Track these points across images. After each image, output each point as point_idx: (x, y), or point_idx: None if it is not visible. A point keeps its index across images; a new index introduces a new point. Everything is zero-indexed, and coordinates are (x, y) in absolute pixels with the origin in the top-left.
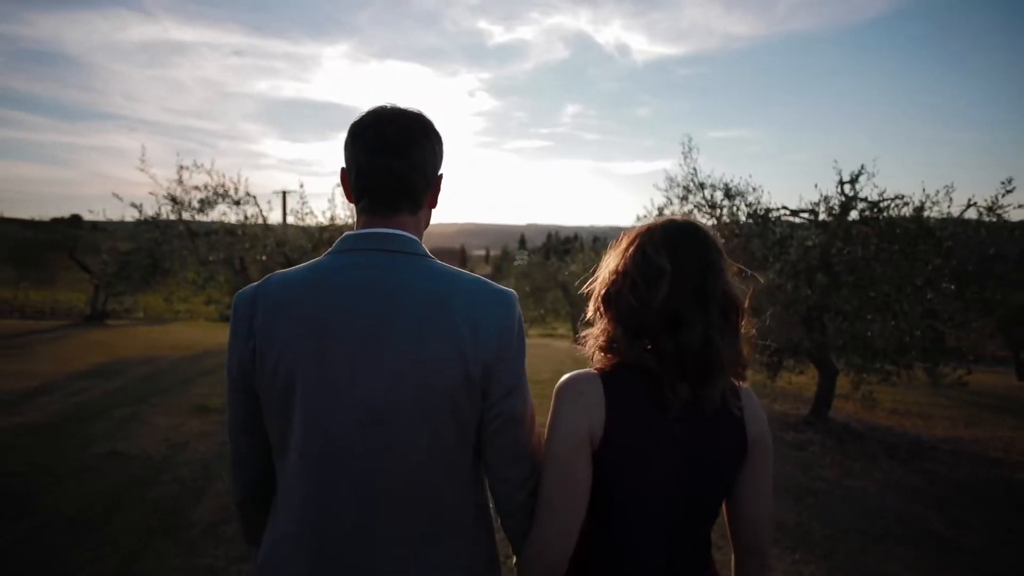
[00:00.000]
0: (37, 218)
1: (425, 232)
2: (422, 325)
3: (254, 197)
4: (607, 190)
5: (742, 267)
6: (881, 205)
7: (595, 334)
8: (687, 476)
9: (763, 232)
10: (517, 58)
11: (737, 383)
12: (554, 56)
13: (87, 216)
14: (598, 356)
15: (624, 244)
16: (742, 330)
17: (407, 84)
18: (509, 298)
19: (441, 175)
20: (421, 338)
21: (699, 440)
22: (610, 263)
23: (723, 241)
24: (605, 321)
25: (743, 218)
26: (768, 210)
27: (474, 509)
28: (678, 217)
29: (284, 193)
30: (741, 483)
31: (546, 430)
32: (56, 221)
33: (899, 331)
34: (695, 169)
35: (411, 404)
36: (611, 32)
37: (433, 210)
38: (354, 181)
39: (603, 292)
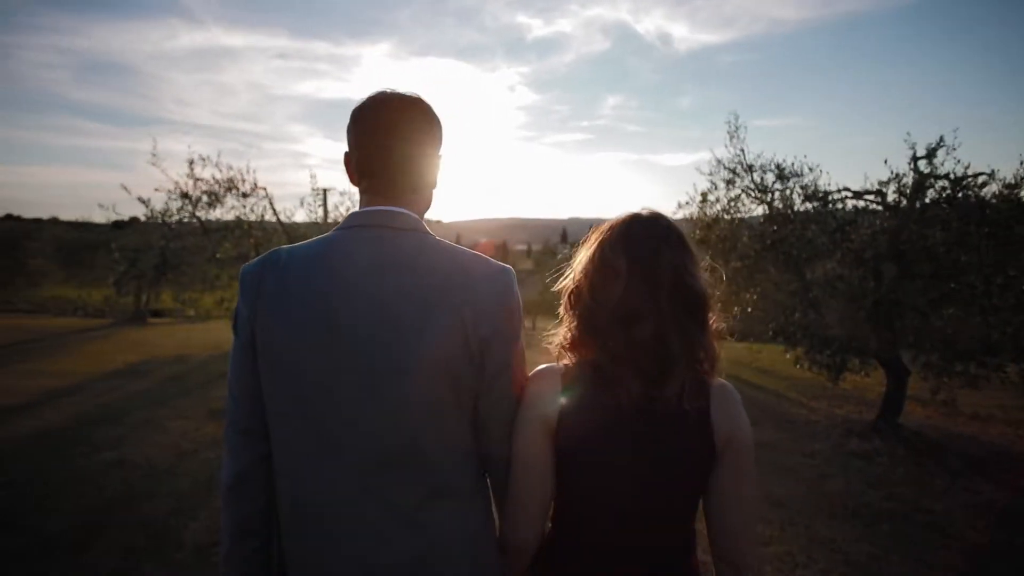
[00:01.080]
0: (81, 219)
1: (466, 227)
2: (425, 299)
3: (264, 190)
4: (650, 182)
5: (714, 264)
6: (965, 182)
7: (562, 332)
8: (647, 474)
9: (822, 217)
10: (556, 51)
11: (710, 380)
12: (594, 48)
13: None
14: (561, 354)
15: (590, 242)
16: (712, 325)
17: (447, 81)
18: (508, 275)
19: (441, 156)
20: (424, 312)
21: (658, 439)
22: (578, 261)
23: (776, 228)
24: (569, 319)
25: (798, 202)
26: (827, 192)
27: (471, 476)
28: (643, 212)
29: (324, 191)
30: (715, 490)
31: None
32: (116, 224)
33: (987, 327)
34: (742, 150)
35: (414, 374)
36: (652, 21)
37: (435, 190)
38: (356, 164)
39: (569, 291)
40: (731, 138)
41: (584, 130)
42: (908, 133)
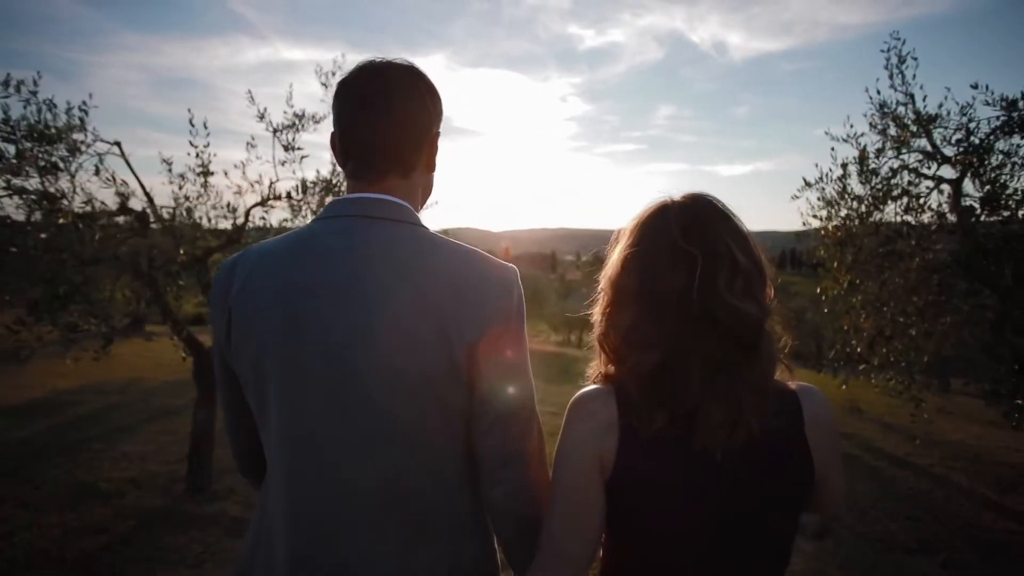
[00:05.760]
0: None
1: (516, 236)
2: (397, 299)
3: (119, 145)
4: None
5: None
6: None
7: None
8: (730, 512)
9: None
10: (609, 61)
11: (787, 388)
12: (647, 58)
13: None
14: (598, 379)
15: (617, 244)
16: (762, 349)
17: (499, 91)
18: (507, 273)
19: (437, 133)
20: (396, 314)
21: (741, 469)
22: (606, 268)
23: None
24: (598, 345)
25: None
26: None
27: (466, 512)
28: (678, 197)
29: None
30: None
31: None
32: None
33: None
34: (911, 95)
35: (387, 387)
36: (707, 30)
37: (433, 174)
38: (339, 143)
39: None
40: (891, 76)
41: (636, 140)
42: None
